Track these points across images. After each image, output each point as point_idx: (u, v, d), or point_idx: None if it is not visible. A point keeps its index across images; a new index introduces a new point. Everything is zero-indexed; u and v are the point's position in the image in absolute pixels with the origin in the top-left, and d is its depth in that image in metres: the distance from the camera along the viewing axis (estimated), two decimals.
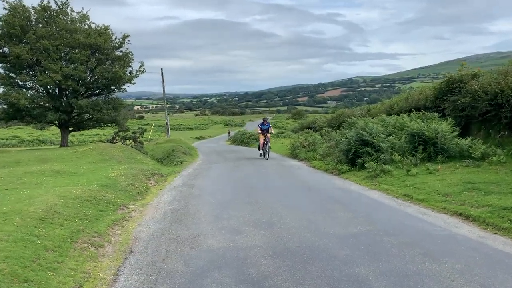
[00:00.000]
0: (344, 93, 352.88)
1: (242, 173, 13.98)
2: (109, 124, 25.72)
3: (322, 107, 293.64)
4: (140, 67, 25.53)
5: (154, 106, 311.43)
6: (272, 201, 8.87)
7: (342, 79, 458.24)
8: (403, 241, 5.78)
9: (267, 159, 17.83)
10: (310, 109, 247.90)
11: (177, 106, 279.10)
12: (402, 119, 14.16)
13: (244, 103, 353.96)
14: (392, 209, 7.89)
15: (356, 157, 12.75)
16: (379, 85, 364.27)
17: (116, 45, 24.62)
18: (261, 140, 18.43)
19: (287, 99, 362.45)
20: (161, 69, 44.85)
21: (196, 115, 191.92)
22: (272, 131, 18.82)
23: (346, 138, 13.79)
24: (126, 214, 8.06)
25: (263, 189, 10.44)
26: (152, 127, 57.84)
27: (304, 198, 9.22)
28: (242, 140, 39.48)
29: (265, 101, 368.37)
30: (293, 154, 19.61)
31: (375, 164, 11.60)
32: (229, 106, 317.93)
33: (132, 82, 25.02)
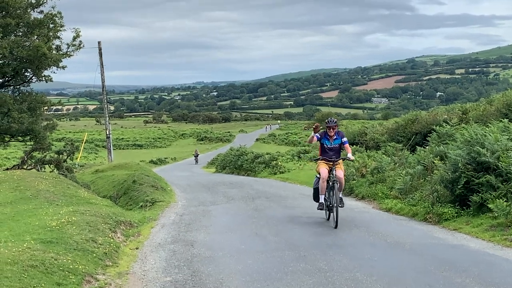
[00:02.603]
0: (401, 85, 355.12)
1: (270, 220, 14.26)
2: (20, 138, 25.78)
3: (363, 108, 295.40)
4: (74, 38, 25.85)
5: (72, 107, 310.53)
6: (347, 267, 9.04)
7: (398, 61, 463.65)
8: None
9: (335, 226, 12.97)
10: (344, 111, 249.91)
11: (112, 108, 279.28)
12: None
13: (228, 102, 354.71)
14: None
15: (469, 192, 12.85)
16: (462, 71, 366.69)
17: (34, 1, 24.89)
18: (323, 173, 13.78)
19: (302, 94, 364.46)
20: (99, 42, 45.30)
21: (147, 122, 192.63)
22: (351, 156, 14.36)
23: (448, 159, 13.89)
24: None
25: (320, 247, 10.68)
26: (83, 144, 57.98)
27: (404, 264, 9.37)
28: (239, 165, 39.72)
29: (264, 98, 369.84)
30: (344, 188, 19.64)
31: (506, 203, 11.69)
32: (203, 106, 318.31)
33: (61, 64, 25.32)
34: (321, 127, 14.33)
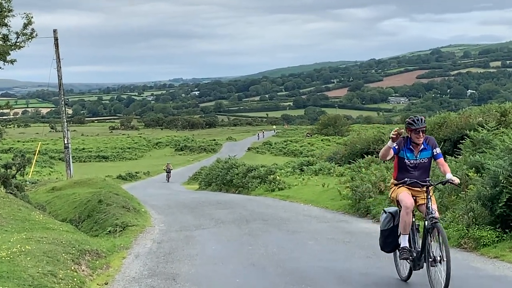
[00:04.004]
0: (424, 81, 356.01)
1: (269, 248, 14.25)
2: None
3: (378, 109, 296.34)
4: (25, 26, 25.88)
5: (20, 110, 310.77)
6: None
7: (420, 52, 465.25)
8: None
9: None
10: (354, 113, 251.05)
11: (71, 111, 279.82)
12: None
13: (212, 103, 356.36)
14: None
15: None
16: (497, 64, 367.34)
17: None
18: (407, 199, 10.25)
19: (304, 93, 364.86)
20: (55, 31, 45.34)
21: (113, 128, 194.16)
22: (453, 177, 10.29)
23: (486, 172, 13.82)
24: None
25: (331, 280, 10.82)
26: (36, 155, 57.82)
27: None
28: (229, 180, 40.08)
29: (257, 98, 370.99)
30: (359, 207, 19.74)
31: None
32: (182, 109, 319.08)
33: (9, 58, 25.51)
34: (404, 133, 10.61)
